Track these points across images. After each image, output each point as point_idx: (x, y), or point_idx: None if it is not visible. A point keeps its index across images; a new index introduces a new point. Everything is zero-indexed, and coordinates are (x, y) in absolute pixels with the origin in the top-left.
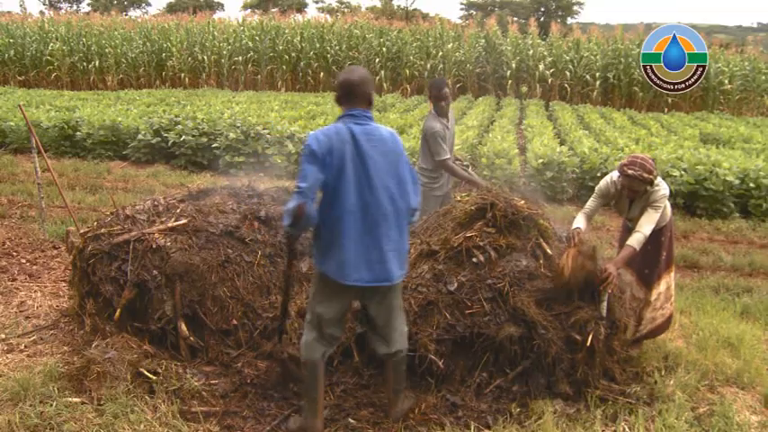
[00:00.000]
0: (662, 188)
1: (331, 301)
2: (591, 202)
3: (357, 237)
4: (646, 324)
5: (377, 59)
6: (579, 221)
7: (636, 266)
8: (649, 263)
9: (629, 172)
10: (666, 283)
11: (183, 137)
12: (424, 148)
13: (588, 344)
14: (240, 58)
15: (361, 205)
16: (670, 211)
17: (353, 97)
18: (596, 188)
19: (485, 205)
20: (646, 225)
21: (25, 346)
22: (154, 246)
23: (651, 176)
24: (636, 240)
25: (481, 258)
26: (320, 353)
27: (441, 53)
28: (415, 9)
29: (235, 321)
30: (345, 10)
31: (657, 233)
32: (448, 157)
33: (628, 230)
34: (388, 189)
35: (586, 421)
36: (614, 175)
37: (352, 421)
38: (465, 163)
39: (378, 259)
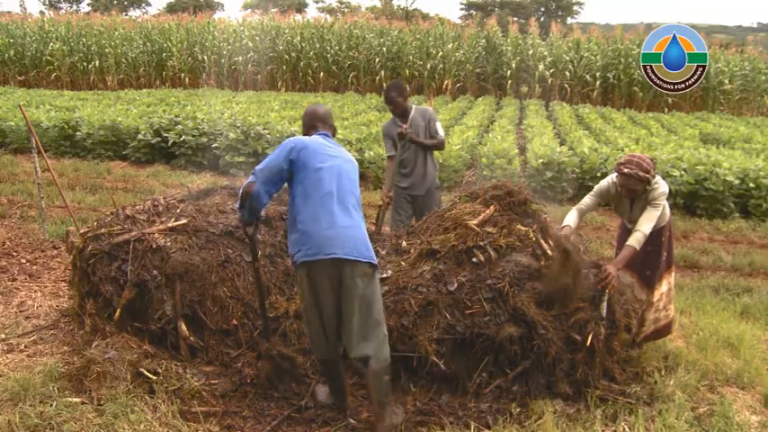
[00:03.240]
0: (660, 186)
1: (317, 293)
2: (588, 200)
3: (333, 217)
4: (649, 325)
5: (377, 59)
6: (570, 218)
7: (637, 268)
8: (650, 264)
9: (626, 171)
10: (668, 283)
11: (183, 137)
12: None
13: (588, 344)
14: (240, 58)
15: (338, 192)
16: (669, 211)
17: (324, 124)
18: (596, 187)
19: (500, 193)
20: (645, 224)
21: (25, 346)
22: (154, 246)
23: (648, 175)
24: (636, 240)
25: (481, 258)
26: (325, 349)
27: (441, 53)
28: (415, 9)
29: (235, 321)
30: (345, 10)
31: (657, 233)
32: (390, 154)
33: (627, 231)
34: (350, 183)
35: (586, 421)
36: (614, 176)
37: (352, 421)
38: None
39: (351, 238)
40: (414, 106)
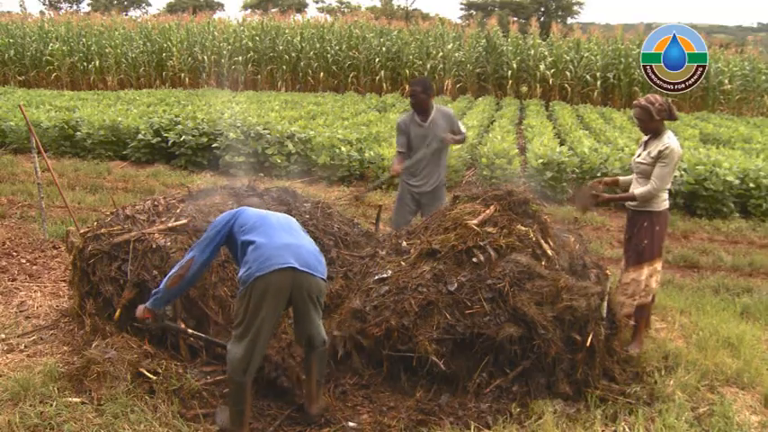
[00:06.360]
0: (670, 145)
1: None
2: None
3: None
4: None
5: (377, 59)
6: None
7: (626, 244)
8: (633, 244)
9: (635, 102)
10: (643, 274)
11: (183, 137)
12: None
13: (588, 344)
14: (240, 58)
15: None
16: (667, 203)
17: None
18: None
19: (500, 193)
20: (654, 179)
21: (25, 346)
22: (154, 246)
23: (649, 105)
24: (640, 192)
25: (481, 258)
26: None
27: (441, 53)
28: (415, 9)
29: None
30: (345, 10)
31: (640, 216)
32: (399, 150)
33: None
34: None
35: (586, 421)
36: None
37: (351, 424)
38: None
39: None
40: (435, 106)
